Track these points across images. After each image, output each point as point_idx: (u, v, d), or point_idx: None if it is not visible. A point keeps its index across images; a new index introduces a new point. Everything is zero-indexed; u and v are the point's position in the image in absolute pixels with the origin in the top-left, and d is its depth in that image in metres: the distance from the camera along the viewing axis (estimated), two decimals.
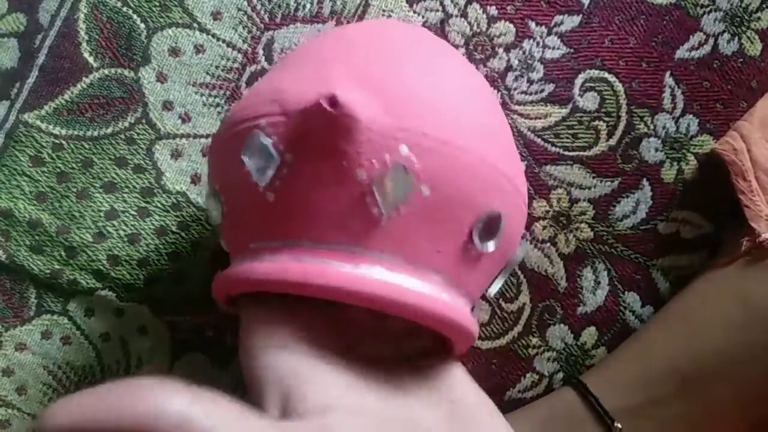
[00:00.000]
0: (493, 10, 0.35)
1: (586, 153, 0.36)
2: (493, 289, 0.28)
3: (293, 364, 0.23)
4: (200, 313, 0.34)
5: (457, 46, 0.35)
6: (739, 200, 0.34)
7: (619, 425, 0.32)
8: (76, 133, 0.33)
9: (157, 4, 0.33)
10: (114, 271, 0.33)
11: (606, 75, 0.36)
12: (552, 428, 0.33)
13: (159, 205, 0.34)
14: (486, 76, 0.35)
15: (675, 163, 0.36)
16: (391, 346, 0.25)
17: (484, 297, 0.35)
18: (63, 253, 0.33)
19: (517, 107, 0.35)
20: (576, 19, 0.36)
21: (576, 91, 0.36)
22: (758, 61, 0.37)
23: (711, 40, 0.36)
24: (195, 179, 0.34)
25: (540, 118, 0.36)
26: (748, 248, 0.33)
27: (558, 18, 0.36)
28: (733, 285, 0.33)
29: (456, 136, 0.23)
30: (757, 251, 0.32)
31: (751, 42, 0.37)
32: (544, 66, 0.36)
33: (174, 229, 0.34)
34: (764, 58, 0.37)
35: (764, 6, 0.37)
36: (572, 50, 0.36)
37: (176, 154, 0.34)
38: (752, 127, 0.35)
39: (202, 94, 0.34)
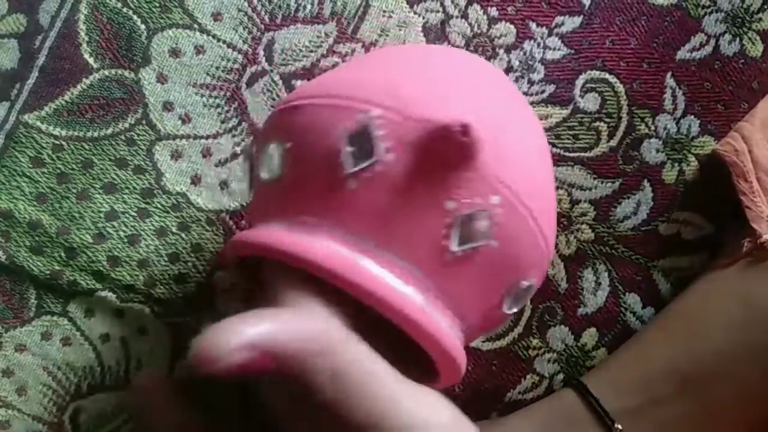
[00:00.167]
0: (493, 11, 0.35)
1: (586, 154, 0.36)
2: (506, 310, 0.28)
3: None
4: (200, 314, 0.34)
5: (457, 47, 0.35)
6: (741, 201, 0.34)
7: (620, 426, 0.32)
8: (76, 134, 0.33)
9: (158, 5, 0.33)
10: (114, 272, 0.33)
11: (607, 76, 0.36)
12: (552, 429, 0.33)
13: (159, 206, 0.34)
14: None
15: (676, 164, 0.36)
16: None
17: None
18: (63, 254, 0.33)
19: None
20: (577, 20, 0.36)
21: (577, 92, 0.36)
22: (759, 62, 0.37)
23: (712, 41, 0.36)
24: (195, 180, 0.34)
25: (541, 119, 0.35)
26: (750, 249, 0.33)
27: (559, 19, 0.36)
28: (734, 286, 0.33)
29: (535, 205, 0.23)
30: (759, 252, 0.32)
31: (753, 43, 0.37)
32: (545, 67, 0.35)
33: (174, 230, 0.34)
34: (765, 59, 0.37)
35: (765, 7, 0.36)
36: (573, 51, 0.36)
37: (176, 155, 0.34)
38: (753, 128, 0.35)
39: (202, 95, 0.34)
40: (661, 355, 0.33)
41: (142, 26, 0.33)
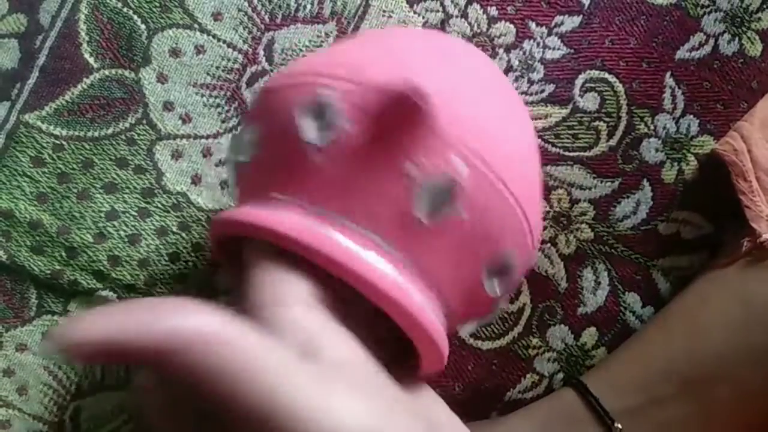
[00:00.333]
0: (493, 11, 0.35)
1: (586, 153, 0.36)
2: (466, 329, 0.27)
3: (314, 319, 0.21)
4: None
5: None
6: (740, 201, 0.34)
7: (620, 426, 0.32)
8: (76, 133, 0.33)
9: (158, 4, 0.33)
10: (114, 271, 0.33)
11: (606, 75, 0.36)
12: (552, 429, 0.33)
13: (159, 205, 0.34)
14: None
15: (675, 164, 0.36)
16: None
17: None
18: (63, 254, 0.33)
19: None
20: (576, 20, 0.36)
21: (576, 91, 0.36)
22: (759, 62, 0.37)
23: (711, 41, 0.36)
24: (195, 180, 0.34)
25: (540, 119, 0.36)
26: (749, 249, 0.33)
27: (558, 18, 0.36)
28: (733, 285, 0.33)
29: (508, 174, 0.23)
30: (758, 252, 0.32)
31: (752, 42, 0.37)
32: (545, 66, 0.36)
33: (174, 229, 0.34)
34: (765, 58, 0.37)
35: (764, 6, 0.36)
36: (572, 51, 0.36)
37: (177, 155, 0.34)
38: (753, 128, 0.35)
39: (202, 95, 0.34)
40: (660, 355, 0.33)
41: (143, 26, 0.33)
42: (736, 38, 0.37)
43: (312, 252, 0.21)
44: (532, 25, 0.35)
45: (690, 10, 0.36)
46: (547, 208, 0.36)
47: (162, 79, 0.33)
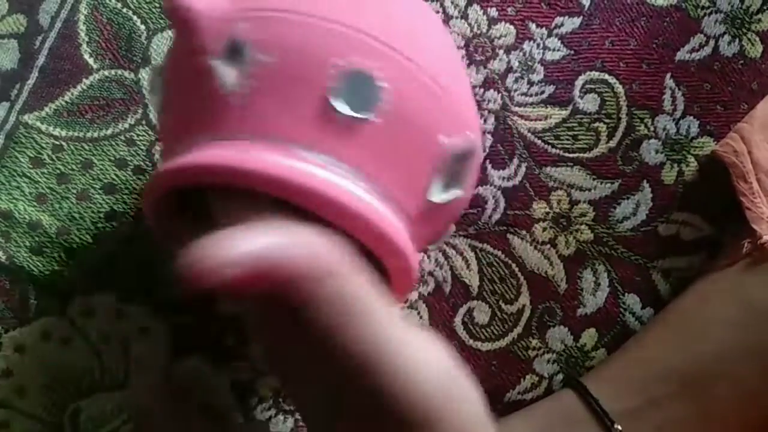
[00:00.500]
0: (493, 12, 0.35)
1: (586, 155, 0.36)
2: (434, 193, 0.24)
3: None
4: (200, 313, 0.34)
5: (457, 48, 0.35)
6: (740, 202, 0.34)
7: (619, 427, 0.32)
8: (76, 134, 0.33)
9: (158, 5, 0.33)
10: (114, 272, 0.33)
11: (606, 77, 0.36)
12: (552, 430, 0.33)
13: None
14: (486, 78, 0.35)
15: (675, 165, 0.36)
16: None
17: (481, 298, 0.35)
18: (63, 255, 0.33)
19: (517, 109, 0.35)
20: (576, 21, 0.36)
21: (576, 92, 0.36)
22: (759, 63, 0.37)
23: (711, 42, 0.36)
24: None
25: (540, 120, 0.36)
26: (749, 250, 0.33)
27: (558, 20, 0.36)
28: (733, 287, 0.33)
29: (423, 58, 0.23)
30: (758, 253, 0.32)
31: (752, 44, 0.37)
32: (545, 68, 0.35)
33: None
34: (765, 60, 0.37)
35: (765, 8, 0.36)
36: (573, 52, 0.36)
37: None
38: (753, 129, 0.35)
39: None
40: (660, 356, 0.33)
41: (142, 27, 0.33)
42: (737, 39, 0.36)
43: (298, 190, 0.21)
44: (532, 26, 0.35)
45: (690, 11, 0.36)
46: (547, 209, 0.36)
47: None
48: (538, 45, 0.36)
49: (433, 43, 0.25)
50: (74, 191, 0.33)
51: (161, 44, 0.33)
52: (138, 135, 0.33)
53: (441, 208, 0.25)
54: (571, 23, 0.36)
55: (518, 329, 0.36)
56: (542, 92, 0.36)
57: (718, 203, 0.36)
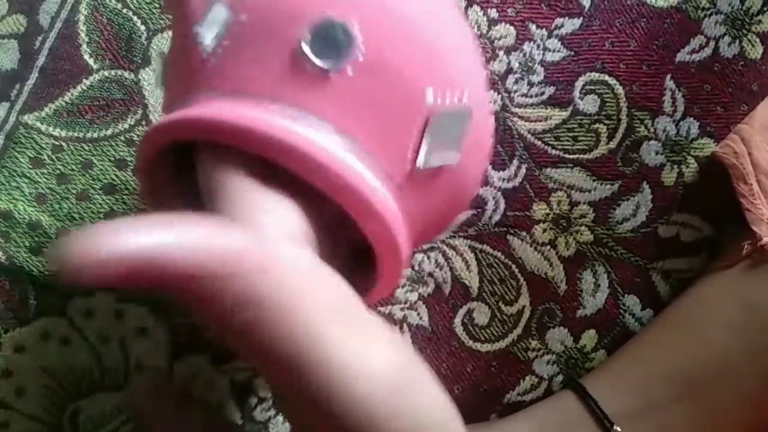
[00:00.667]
0: (493, 13, 0.35)
1: (586, 156, 0.36)
2: (421, 158, 0.23)
3: (306, 258, 0.19)
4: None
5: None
6: (740, 204, 0.34)
7: (619, 428, 0.32)
8: (76, 134, 0.33)
9: (158, 5, 0.33)
10: None
11: (606, 78, 0.36)
12: (551, 431, 0.33)
13: None
14: (486, 79, 0.35)
15: (675, 166, 0.36)
16: None
17: (481, 299, 0.35)
18: None
19: (517, 110, 0.35)
20: (576, 22, 0.36)
21: (576, 93, 0.36)
22: (759, 65, 0.37)
23: (712, 43, 0.36)
24: None
25: (540, 121, 0.36)
26: (749, 252, 0.33)
27: (558, 21, 0.36)
28: (733, 288, 0.33)
29: (411, 17, 0.22)
30: (758, 255, 0.32)
31: (752, 45, 0.37)
32: (545, 69, 0.35)
33: None
34: (765, 61, 0.37)
35: (765, 9, 0.36)
36: (573, 53, 0.36)
37: None
38: (753, 131, 0.35)
39: None
40: (660, 358, 0.33)
41: (142, 27, 0.33)
42: (737, 41, 0.36)
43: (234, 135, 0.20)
44: (533, 27, 0.35)
45: (690, 12, 0.36)
46: (547, 211, 0.36)
47: None
48: (538, 46, 0.36)
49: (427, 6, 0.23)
50: (74, 191, 0.33)
51: (161, 45, 0.33)
52: (138, 135, 0.33)
53: (435, 179, 0.23)
54: (571, 24, 0.36)
55: (518, 330, 0.36)
56: (542, 93, 0.36)
57: (718, 205, 0.36)
